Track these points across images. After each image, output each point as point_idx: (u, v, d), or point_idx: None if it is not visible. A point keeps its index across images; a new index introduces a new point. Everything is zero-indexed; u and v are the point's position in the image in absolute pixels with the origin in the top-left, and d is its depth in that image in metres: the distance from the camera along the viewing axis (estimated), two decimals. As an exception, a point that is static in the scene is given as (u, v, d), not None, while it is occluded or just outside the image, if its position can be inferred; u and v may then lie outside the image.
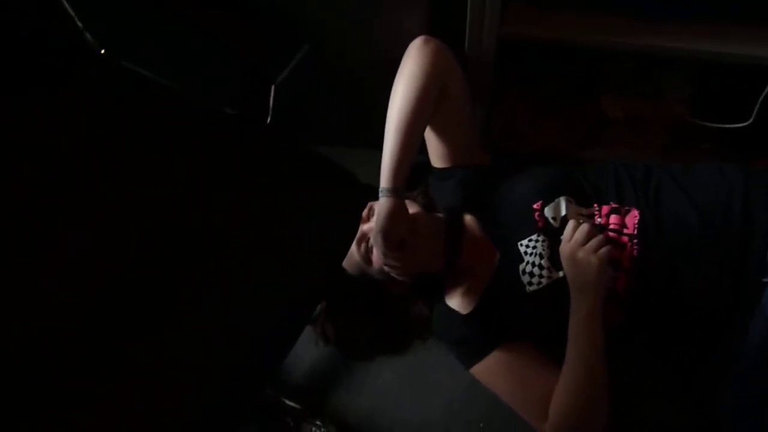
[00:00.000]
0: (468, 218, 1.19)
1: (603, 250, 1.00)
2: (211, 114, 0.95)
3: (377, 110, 1.11)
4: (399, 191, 1.04)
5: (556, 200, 1.08)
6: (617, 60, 1.39)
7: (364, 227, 1.12)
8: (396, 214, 1.02)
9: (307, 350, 1.28)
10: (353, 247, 1.10)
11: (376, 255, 1.08)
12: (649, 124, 1.36)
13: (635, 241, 1.05)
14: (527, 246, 1.07)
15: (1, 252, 0.79)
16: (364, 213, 1.11)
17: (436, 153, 1.25)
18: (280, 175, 0.92)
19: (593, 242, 1.00)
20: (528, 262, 1.06)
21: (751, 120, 1.23)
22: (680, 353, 1.17)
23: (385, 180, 1.05)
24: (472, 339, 1.10)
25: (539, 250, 1.06)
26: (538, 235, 1.07)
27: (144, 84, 0.99)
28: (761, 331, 1.02)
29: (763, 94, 1.16)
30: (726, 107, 1.30)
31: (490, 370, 1.08)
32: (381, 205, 1.03)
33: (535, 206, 1.09)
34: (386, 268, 1.08)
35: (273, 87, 0.78)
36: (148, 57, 0.96)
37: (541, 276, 1.05)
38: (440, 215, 1.19)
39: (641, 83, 1.37)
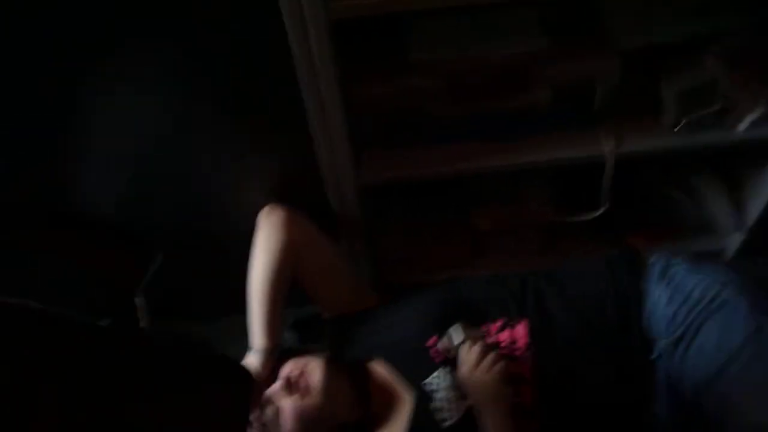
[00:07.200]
0: (374, 365, 1.19)
1: (496, 367, 1.02)
2: (87, 331, 0.95)
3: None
4: (273, 352, 1.13)
5: (447, 333, 1.10)
6: (480, 178, 1.49)
7: (270, 390, 1.08)
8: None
9: None
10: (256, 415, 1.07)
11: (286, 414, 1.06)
12: (518, 231, 1.45)
13: (530, 351, 1.08)
14: (431, 383, 1.08)
15: None
16: (264, 376, 1.10)
17: (321, 306, 1.30)
18: (167, 377, 0.91)
19: (486, 361, 1.03)
20: (437, 399, 1.06)
21: (604, 208, 1.34)
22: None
23: (258, 343, 1.13)
24: None
25: (444, 384, 1.06)
26: (440, 370, 1.09)
27: (15, 313, 0.98)
28: (666, 411, 1.05)
29: (604, 184, 1.28)
30: (584, 200, 1.41)
31: None
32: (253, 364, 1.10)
33: (429, 343, 1.11)
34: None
35: (136, 297, 0.79)
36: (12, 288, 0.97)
37: (451, 410, 1.06)
38: (344, 366, 1.19)
39: (505, 194, 1.47)
